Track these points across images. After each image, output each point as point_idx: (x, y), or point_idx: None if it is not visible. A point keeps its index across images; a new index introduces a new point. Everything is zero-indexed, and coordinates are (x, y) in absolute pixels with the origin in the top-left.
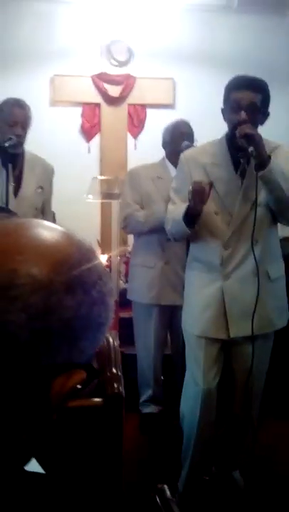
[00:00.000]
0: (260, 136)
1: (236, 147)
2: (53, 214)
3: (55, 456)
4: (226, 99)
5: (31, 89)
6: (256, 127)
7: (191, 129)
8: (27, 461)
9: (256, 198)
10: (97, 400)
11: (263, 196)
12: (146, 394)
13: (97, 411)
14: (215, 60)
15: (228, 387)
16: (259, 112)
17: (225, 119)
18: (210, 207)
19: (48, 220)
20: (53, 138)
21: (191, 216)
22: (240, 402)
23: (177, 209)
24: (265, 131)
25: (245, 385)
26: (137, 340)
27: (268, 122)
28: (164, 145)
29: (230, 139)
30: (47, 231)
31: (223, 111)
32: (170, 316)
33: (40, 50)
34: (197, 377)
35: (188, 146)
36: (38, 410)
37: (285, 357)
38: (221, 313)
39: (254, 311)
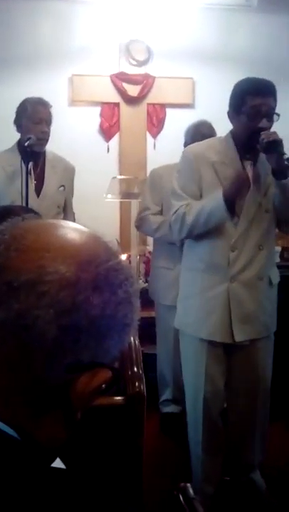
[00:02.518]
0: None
1: (246, 150)
2: (73, 214)
3: (77, 454)
4: (241, 103)
5: (50, 89)
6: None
7: (213, 130)
8: (54, 459)
9: (263, 202)
10: (118, 398)
11: (270, 202)
12: (166, 394)
13: (118, 410)
14: (235, 60)
15: (229, 393)
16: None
17: (234, 121)
18: None
19: (69, 219)
20: (72, 138)
21: (228, 202)
22: (244, 407)
23: (195, 202)
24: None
25: (251, 389)
26: (158, 340)
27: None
28: (186, 146)
29: (246, 142)
30: (75, 232)
31: (231, 113)
32: None
33: (58, 50)
34: (200, 381)
35: None
36: (60, 408)
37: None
38: (226, 317)
39: (256, 316)
